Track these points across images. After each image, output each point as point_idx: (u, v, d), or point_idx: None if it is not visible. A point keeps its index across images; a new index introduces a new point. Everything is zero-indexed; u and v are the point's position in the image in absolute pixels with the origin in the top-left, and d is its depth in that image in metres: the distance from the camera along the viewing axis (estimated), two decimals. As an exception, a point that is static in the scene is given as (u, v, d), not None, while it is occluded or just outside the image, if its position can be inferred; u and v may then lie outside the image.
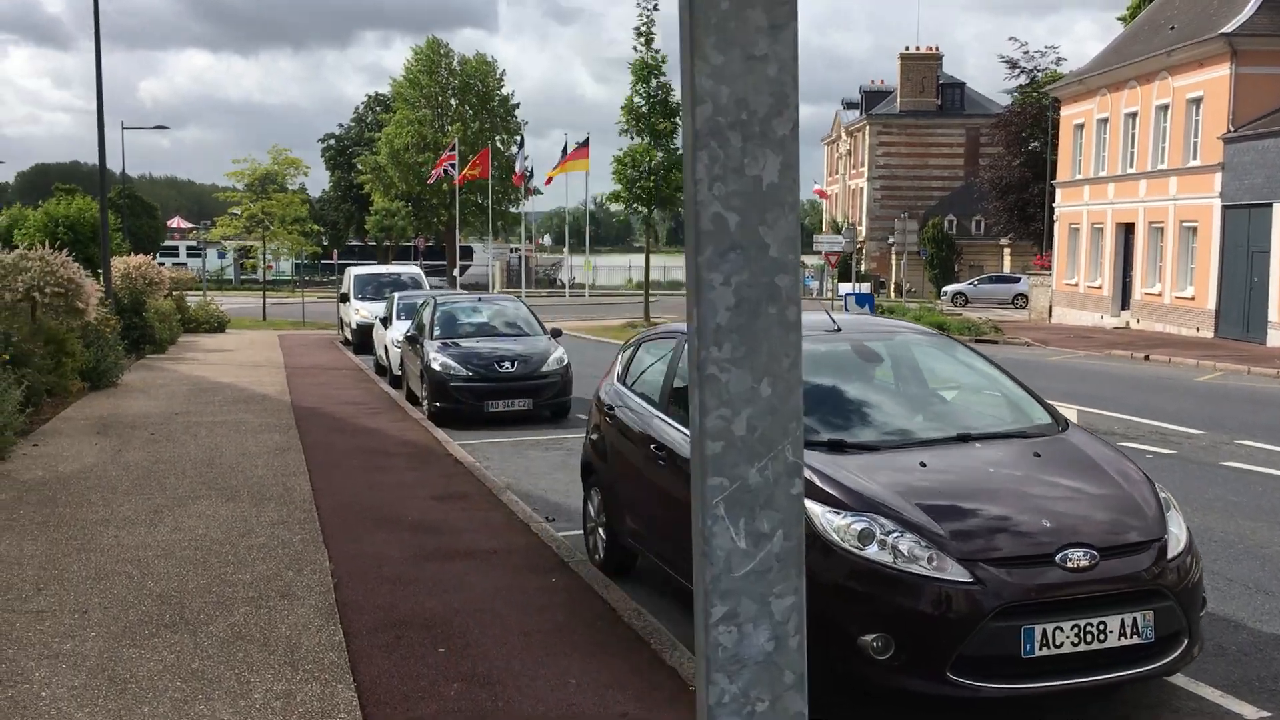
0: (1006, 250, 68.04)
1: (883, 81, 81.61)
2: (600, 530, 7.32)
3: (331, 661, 5.33)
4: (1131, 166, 35.26)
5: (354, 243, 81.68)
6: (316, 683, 5.07)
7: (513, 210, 74.65)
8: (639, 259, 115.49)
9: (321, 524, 8.19)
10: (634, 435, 6.65)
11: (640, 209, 33.88)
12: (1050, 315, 41.09)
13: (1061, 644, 4.33)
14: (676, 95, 33.18)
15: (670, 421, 6.19)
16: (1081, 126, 39.13)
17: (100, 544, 7.61)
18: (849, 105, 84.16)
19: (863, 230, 74.02)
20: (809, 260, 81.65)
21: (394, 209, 71.15)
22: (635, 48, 33.05)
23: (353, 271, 27.94)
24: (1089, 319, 37.41)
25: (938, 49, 78.30)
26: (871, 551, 4.48)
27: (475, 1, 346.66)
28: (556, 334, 15.68)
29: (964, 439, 5.24)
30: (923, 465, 4.93)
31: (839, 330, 6.08)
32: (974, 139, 76.02)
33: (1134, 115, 34.91)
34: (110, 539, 7.75)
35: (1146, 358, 24.99)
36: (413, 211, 71.44)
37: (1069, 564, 4.41)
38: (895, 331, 6.34)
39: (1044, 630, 4.32)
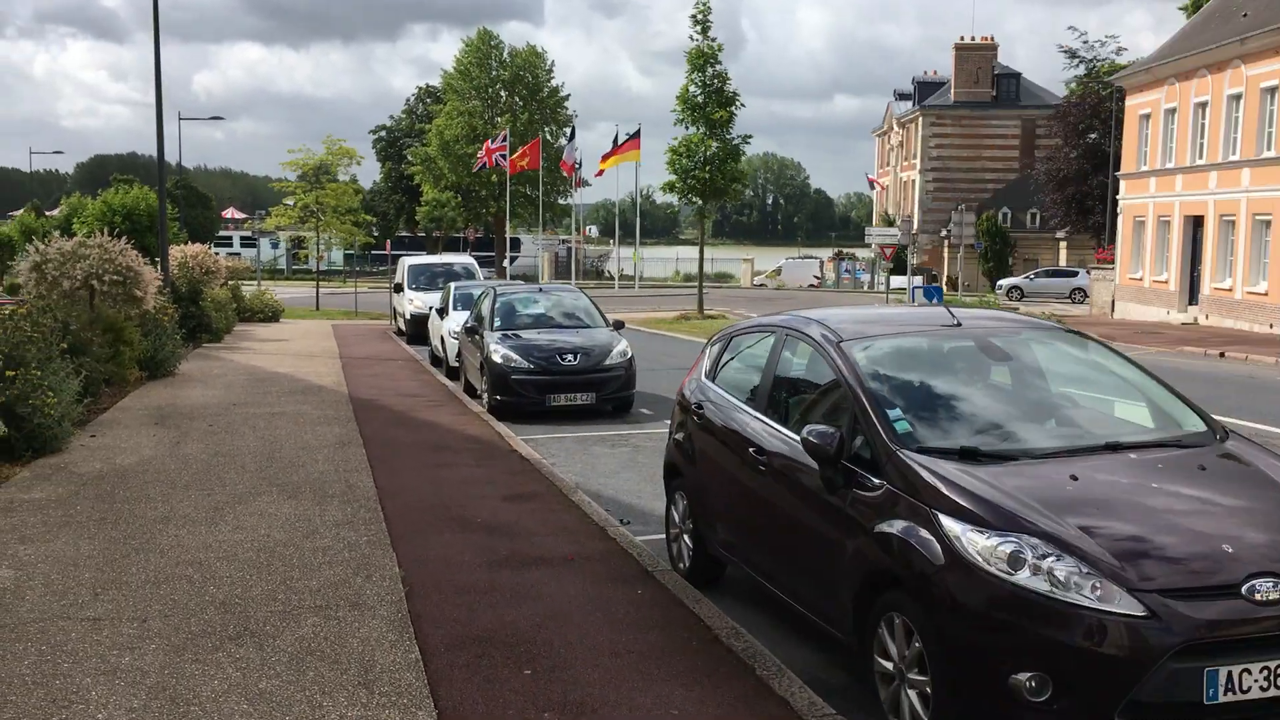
0: (1063, 244, 66.67)
1: (935, 72, 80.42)
2: (686, 538, 6.85)
3: (409, 684, 4.91)
4: (1201, 158, 34.16)
5: (404, 234, 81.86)
6: (395, 708, 4.65)
7: (561, 202, 74.39)
8: (686, 250, 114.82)
9: (388, 524, 7.80)
10: (727, 437, 6.17)
11: (694, 200, 33.32)
12: (1113, 310, 40.02)
13: (1249, 688, 3.81)
14: (733, 84, 32.63)
15: (771, 424, 5.70)
16: (1148, 117, 38.00)
17: (160, 544, 7.27)
18: (901, 96, 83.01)
19: (915, 223, 72.90)
20: (859, 253, 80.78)
21: (444, 200, 71.14)
22: (692, 36, 32.52)
23: (406, 261, 27.68)
24: (1154, 314, 36.33)
25: (993, 39, 76.84)
26: (1023, 578, 3.96)
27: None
28: (619, 326, 15.23)
29: (1113, 448, 4.69)
30: (1073, 479, 4.39)
31: (959, 325, 5.56)
32: (1029, 130, 74.64)
33: (1204, 105, 33.80)
34: (170, 539, 7.41)
35: (1222, 355, 24.06)
36: (462, 203, 71.37)
37: (1257, 596, 3.87)
38: (1020, 327, 5.78)
39: (1229, 672, 3.79)
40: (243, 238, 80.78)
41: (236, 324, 28.89)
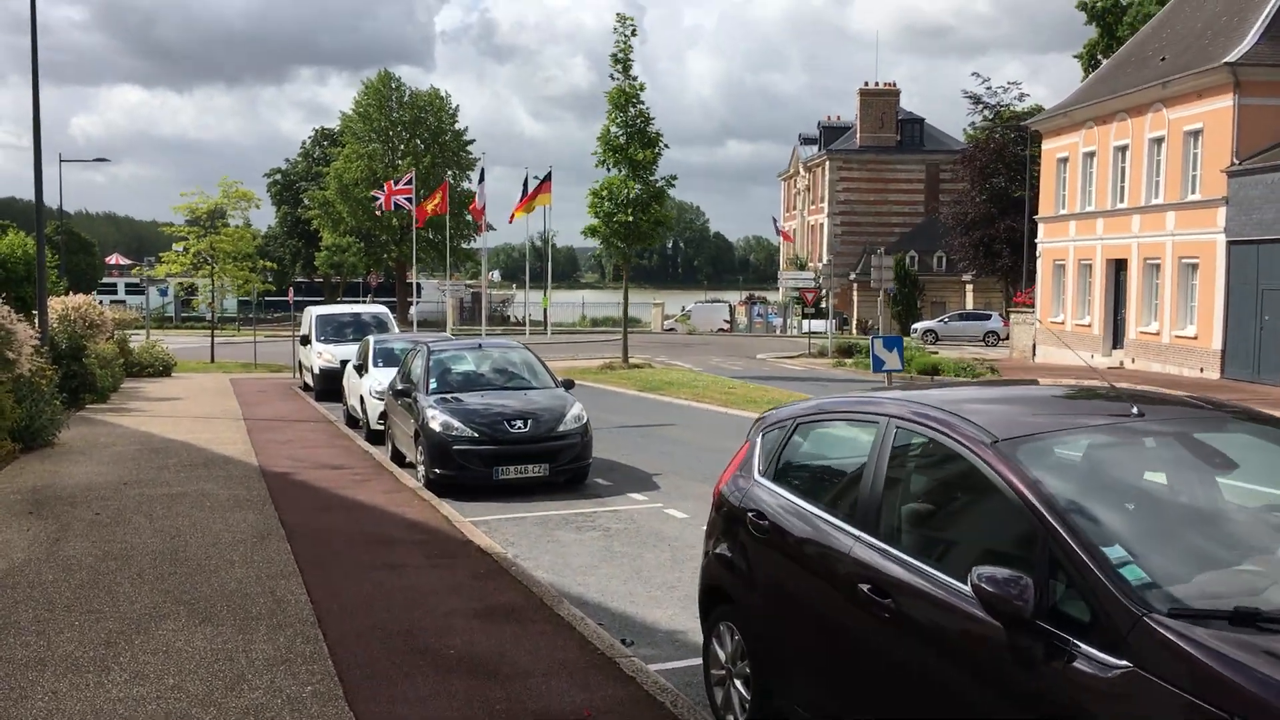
0: (969, 286, 67.24)
1: (839, 117, 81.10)
2: (738, 684, 5.29)
3: None
4: (1122, 201, 34.13)
5: (301, 279, 78.95)
6: None
7: (464, 246, 72.54)
8: (591, 295, 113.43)
9: (336, 664, 6.09)
10: (814, 563, 4.66)
11: (617, 244, 31.95)
12: (1034, 354, 39.80)
13: None
14: (656, 124, 31.47)
15: (896, 553, 4.18)
16: (1065, 160, 38.04)
17: (31, 710, 5.45)
18: (806, 140, 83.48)
19: (820, 266, 72.99)
20: (770, 296, 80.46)
21: (344, 244, 68.71)
22: (613, 75, 31.27)
23: (313, 312, 25.68)
24: (1075, 358, 36.11)
25: (895, 85, 77.84)
26: None
27: (412, 39, 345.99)
28: (569, 385, 13.64)
29: None
30: None
31: (1141, 415, 4.13)
32: (934, 174, 75.61)
33: (1124, 149, 33.82)
34: (44, 698, 5.59)
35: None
36: (364, 247, 69.00)
37: None
38: (1221, 418, 4.37)
39: None
40: (128, 284, 76.92)
41: (124, 380, 26.45)
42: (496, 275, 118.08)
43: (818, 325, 50.66)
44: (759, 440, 5.58)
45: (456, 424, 12.04)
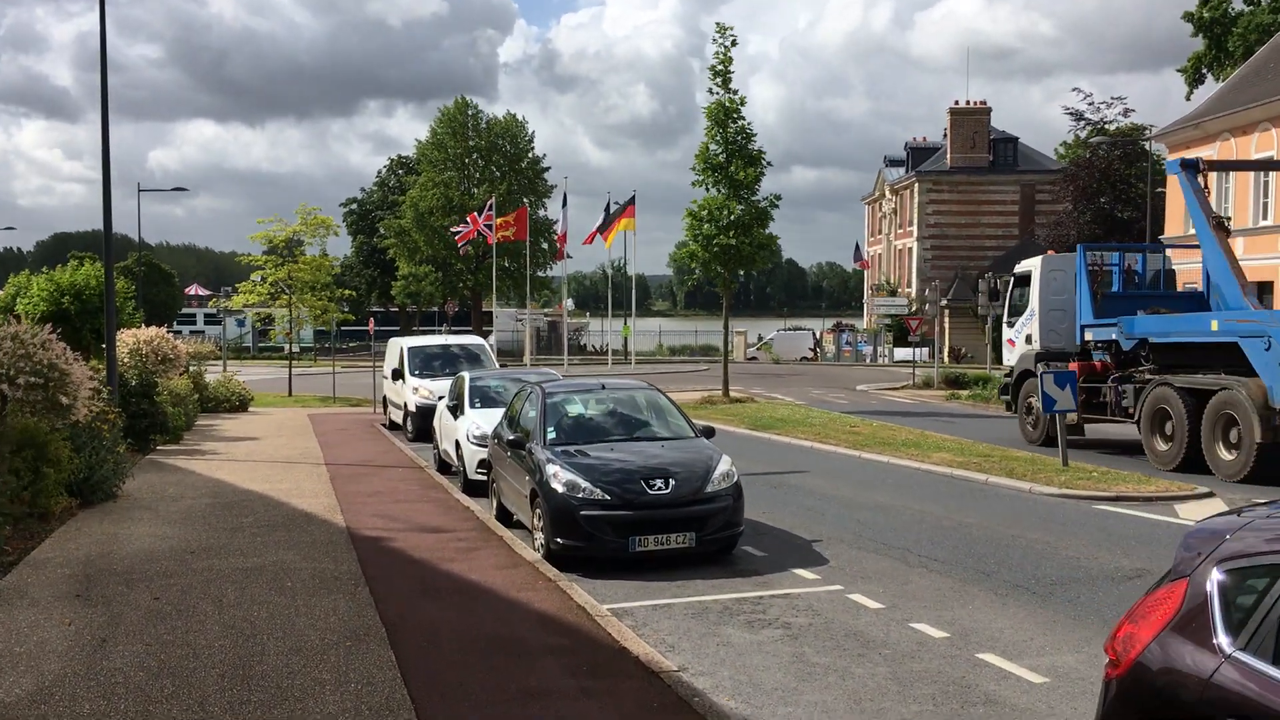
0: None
1: (925, 139, 78.55)
2: None
3: None
4: (1267, 218, 31.21)
5: (376, 309, 78.14)
6: None
7: (541, 275, 71.15)
8: (668, 323, 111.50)
9: None
10: None
11: (718, 270, 29.82)
12: (1160, 384, 36.72)
13: None
14: (759, 141, 29.36)
15: None
16: (1195, 175, 35.09)
17: None
18: (892, 163, 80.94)
19: (912, 291, 70.24)
20: (857, 323, 77.73)
21: (420, 273, 67.64)
22: (711, 89, 29.22)
23: (403, 343, 23.88)
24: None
25: (985, 103, 74.99)
26: None
27: (475, 71, 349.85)
28: (709, 433, 11.51)
29: None
30: None
31: None
32: (1029, 195, 72.46)
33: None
34: None
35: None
36: (440, 277, 67.86)
37: None
38: None
39: None
40: (207, 315, 76.73)
41: (199, 417, 24.96)
42: (570, 304, 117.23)
43: (904, 353, 47.96)
44: (1213, 582, 3.36)
45: (584, 484, 9.96)
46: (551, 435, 10.96)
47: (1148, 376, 17.56)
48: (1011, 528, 11.76)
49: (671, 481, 10.01)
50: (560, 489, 10.01)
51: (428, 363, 22.38)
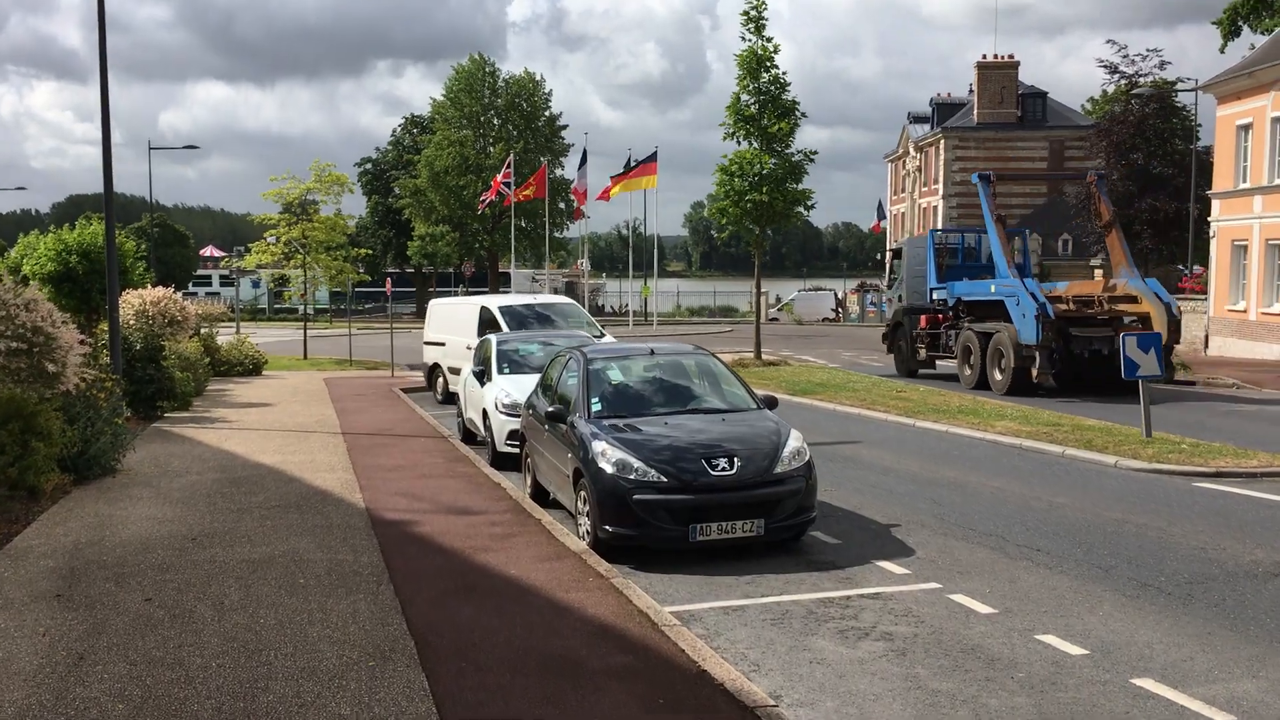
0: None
1: (949, 95, 76.55)
2: None
3: None
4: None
5: (392, 270, 76.87)
6: None
7: (557, 235, 69.78)
8: (685, 284, 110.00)
9: None
10: None
11: (749, 226, 28.42)
12: (1206, 346, 35.30)
13: None
14: (793, 91, 27.84)
15: None
16: (1247, 128, 33.46)
17: None
18: (916, 119, 78.96)
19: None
20: (880, 284, 76.09)
21: (437, 234, 66.29)
22: (743, 35, 27.65)
23: (489, 304, 20.40)
24: (1264, 351, 31.64)
25: (1013, 57, 72.81)
26: None
27: (484, 30, 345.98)
28: (771, 403, 10.22)
29: None
30: None
31: None
32: (1058, 152, 70.55)
33: (1327, 110, 29.29)
34: None
35: None
36: (457, 237, 66.50)
37: None
38: None
39: None
40: (222, 277, 75.61)
41: (211, 381, 23.81)
42: (586, 264, 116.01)
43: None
44: None
45: (636, 463, 8.72)
46: (596, 407, 9.71)
47: (963, 325, 23.52)
48: (1111, 510, 10.48)
49: (736, 460, 8.76)
50: (609, 469, 8.78)
51: (520, 324, 19.18)
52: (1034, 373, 20.64)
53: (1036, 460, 13.63)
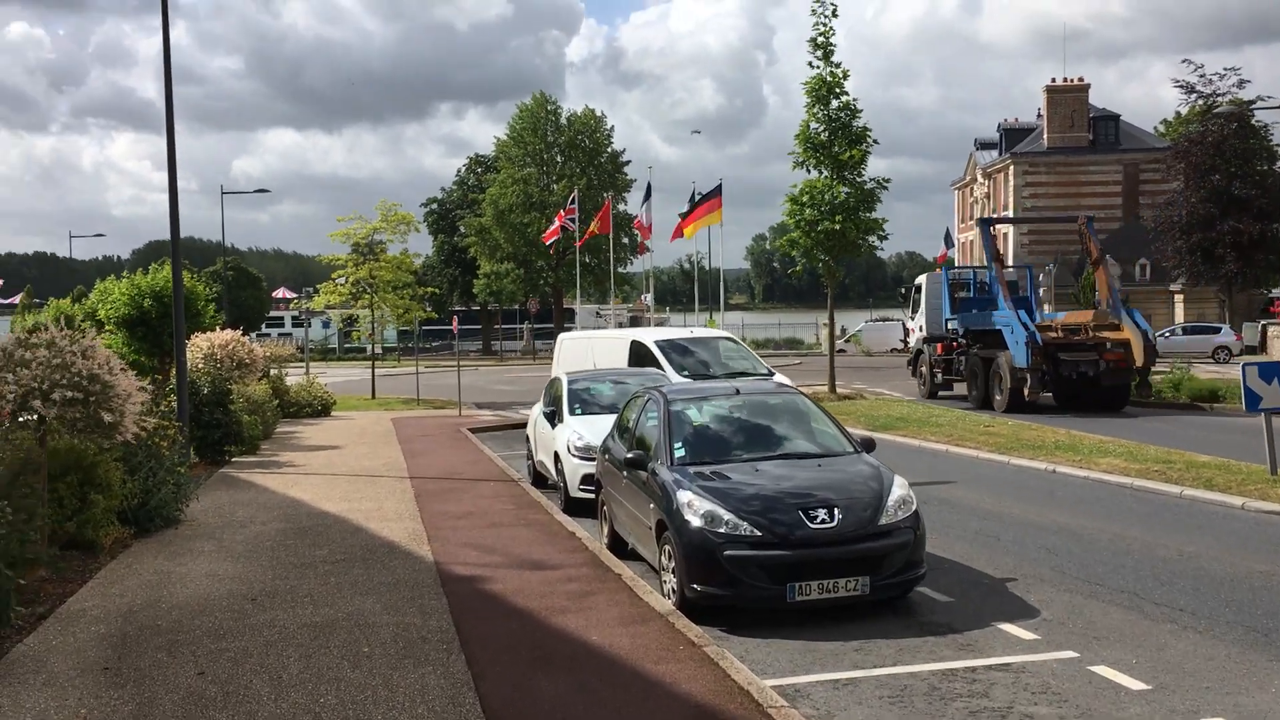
0: (1179, 297, 60.31)
1: (1017, 120, 75.05)
2: None
3: None
4: None
5: (458, 308, 77.05)
6: None
7: (621, 270, 69.40)
8: (750, 316, 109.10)
9: None
10: None
11: (820, 257, 27.63)
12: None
13: None
14: (864, 118, 27.09)
15: None
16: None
17: None
18: (984, 145, 77.56)
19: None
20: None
21: (502, 271, 66.33)
22: (811, 62, 27.04)
23: (641, 337, 18.79)
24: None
25: (1083, 80, 71.30)
26: None
27: (542, 70, 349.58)
28: (869, 446, 9.41)
29: None
30: None
31: None
32: (1133, 175, 68.71)
33: None
34: None
35: None
36: (521, 274, 66.50)
37: None
38: None
39: None
40: (294, 318, 76.35)
41: (279, 423, 23.54)
42: (650, 299, 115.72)
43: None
44: None
45: (726, 516, 7.97)
46: (680, 452, 8.97)
47: (971, 352, 26.09)
48: (1253, 561, 9.47)
49: (836, 511, 7.97)
50: (696, 522, 8.03)
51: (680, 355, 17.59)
52: (1026, 391, 23.18)
53: (1153, 502, 12.60)
